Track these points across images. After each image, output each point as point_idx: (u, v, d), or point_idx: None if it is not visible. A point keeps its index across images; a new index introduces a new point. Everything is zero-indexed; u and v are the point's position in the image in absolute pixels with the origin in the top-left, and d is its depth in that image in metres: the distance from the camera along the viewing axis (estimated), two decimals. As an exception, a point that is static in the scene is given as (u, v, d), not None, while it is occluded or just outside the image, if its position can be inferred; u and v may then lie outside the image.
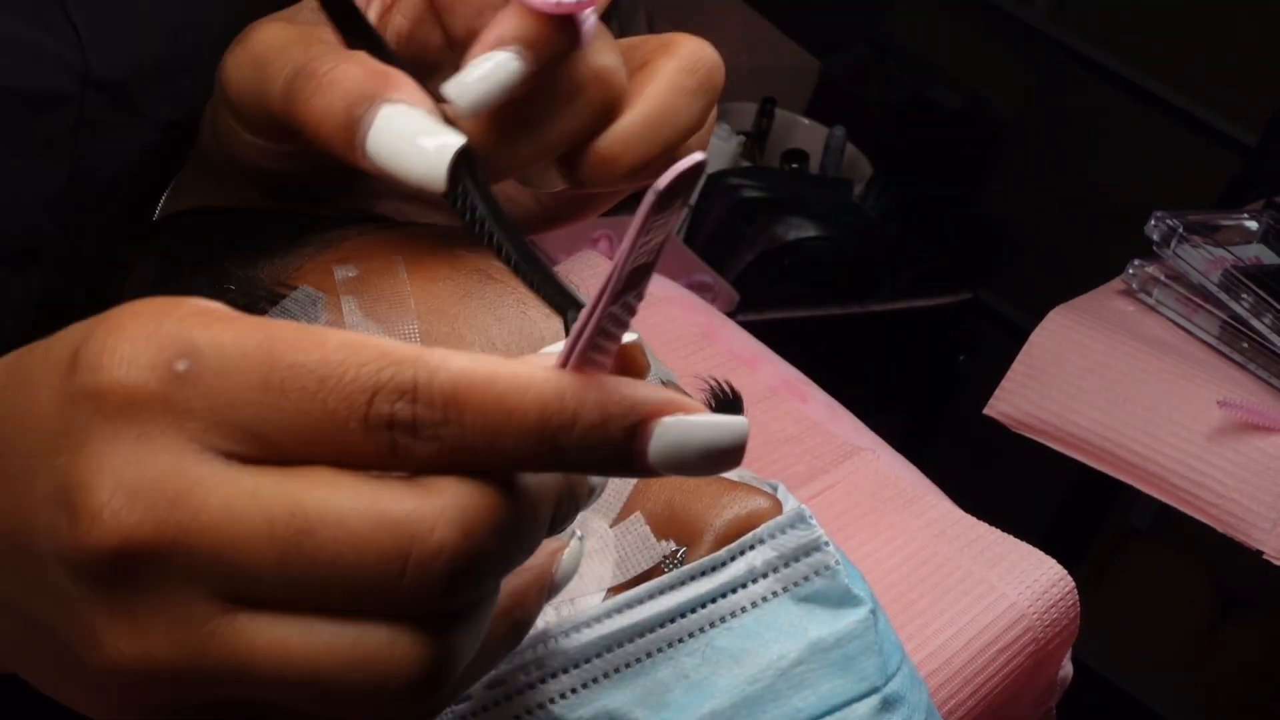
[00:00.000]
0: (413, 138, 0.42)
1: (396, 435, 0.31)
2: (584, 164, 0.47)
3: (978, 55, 2.16)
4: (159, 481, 0.31)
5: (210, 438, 0.31)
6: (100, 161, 0.53)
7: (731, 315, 1.48)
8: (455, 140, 0.42)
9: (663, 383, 0.51)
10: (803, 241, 1.74)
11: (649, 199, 0.30)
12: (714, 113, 0.50)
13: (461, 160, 0.42)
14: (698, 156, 0.30)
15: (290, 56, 0.45)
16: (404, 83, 0.43)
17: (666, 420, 0.32)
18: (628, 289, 0.32)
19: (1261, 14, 1.90)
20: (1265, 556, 1.09)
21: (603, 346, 0.32)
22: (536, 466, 0.32)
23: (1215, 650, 1.89)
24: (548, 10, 0.44)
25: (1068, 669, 0.84)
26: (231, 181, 0.53)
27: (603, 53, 0.46)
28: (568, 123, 0.46)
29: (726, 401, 0.53)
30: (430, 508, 0.31)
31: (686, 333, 0.93)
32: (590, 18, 0.45)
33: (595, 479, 0.36)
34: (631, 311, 0.33)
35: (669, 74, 0.47)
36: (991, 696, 0.74)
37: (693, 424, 0.32)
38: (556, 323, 0.48)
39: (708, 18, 2.06)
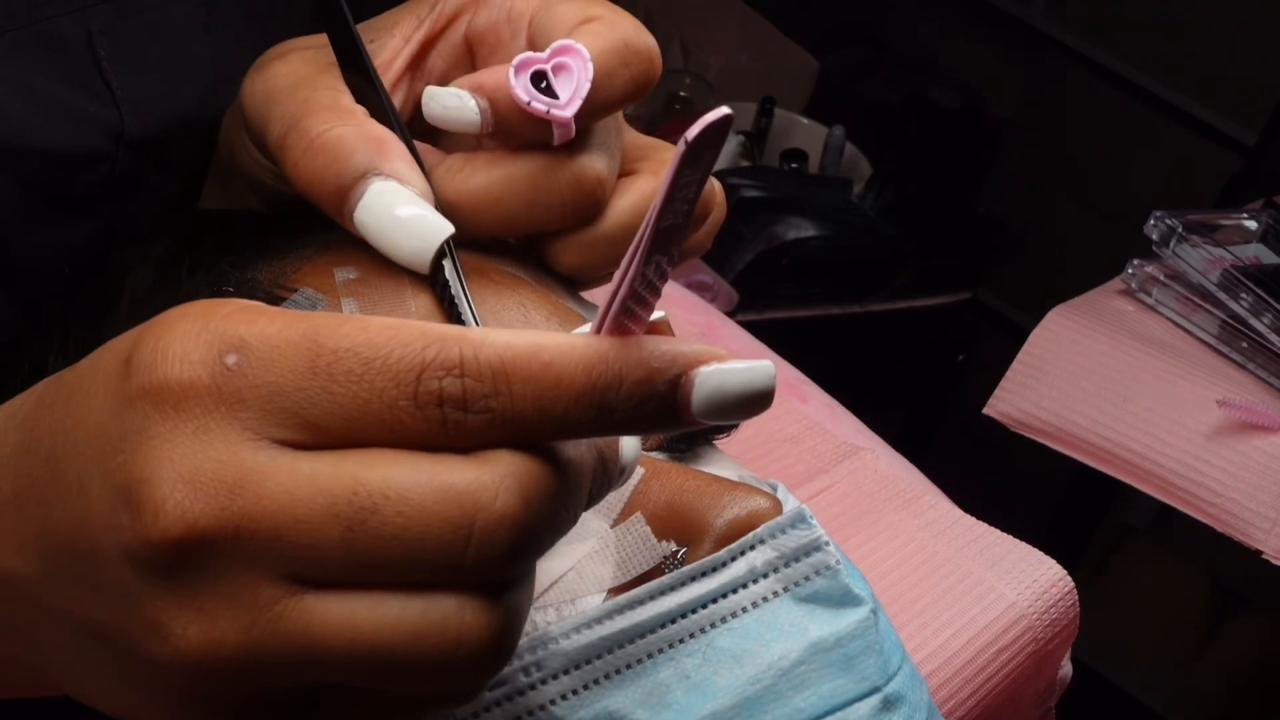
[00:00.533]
0: (401, 220, 0.43)
1: (447, 411, 0.32)
2: (546, 253, 0.49)
3: (977, 55, 2.16)
4: (219, 471, 0.32)
5: (264, 426, 0.32)
6: (129, 214, 0.53)
7: (731, 315, 1.48)
8: (441, 229, 0.43)
9: None
10: (802, 241, 1.74)
11: (680, 149, 0.31)
12: (712, 223, 0.51)
13: (445, 248, 0.44)
14: (724, 110, 0.31)
15: (293, 104, 0.45)
16: (396, 154, 0.44)
17: (705, 369, 0.33)
18: (658, 251, 0.32)
19: (1261, 14, 1.90)
20: (1264, 556, 1.09)
21: (635, 313, 0.33)
22: (586, 430, 0.33)
23: (1214, 649, 1.89)
24: (519, 103, 0.45)
25: (1067, 669, 0.84)
26: (237, 186, 0.53)
27: (593, 158, 0.47)
28: (538, 214, 0.47)
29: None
30: (490, 477, 0.32)
31: (686, 332, 0.93)
32: (564, 129, 0.45)
33: (625, 458, 0.37)
34: (663, 276, 0.34)
35: (640, 196, 0.48)
36: (991, 697, 0.74)
37: (728, 369, 0.33)
38: (557, 324, 0.48)
39: (708, 18, 2.06)
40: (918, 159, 2.01)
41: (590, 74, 0.45)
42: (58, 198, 0.51)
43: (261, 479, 0.31)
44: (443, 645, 0.32)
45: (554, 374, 0.32)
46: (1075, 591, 0.80)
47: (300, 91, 0.46)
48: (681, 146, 0.30)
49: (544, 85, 0.45)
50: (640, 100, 0.47)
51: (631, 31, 0.46)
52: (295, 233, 0.50)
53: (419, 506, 0.31)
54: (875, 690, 0.45)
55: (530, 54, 0.45)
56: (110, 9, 0.51)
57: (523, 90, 0.45)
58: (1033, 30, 2.05)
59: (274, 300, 0.47)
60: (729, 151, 1.86)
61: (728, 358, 0.33)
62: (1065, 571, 0.81)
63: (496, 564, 0.32)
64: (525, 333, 0.33)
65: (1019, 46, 2.10)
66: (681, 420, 0.33)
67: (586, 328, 0.34)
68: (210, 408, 0.32)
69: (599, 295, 0.52)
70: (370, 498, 0.31)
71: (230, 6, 0.54)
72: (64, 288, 0.52)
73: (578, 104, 0.45)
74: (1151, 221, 1.23)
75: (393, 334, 0.32)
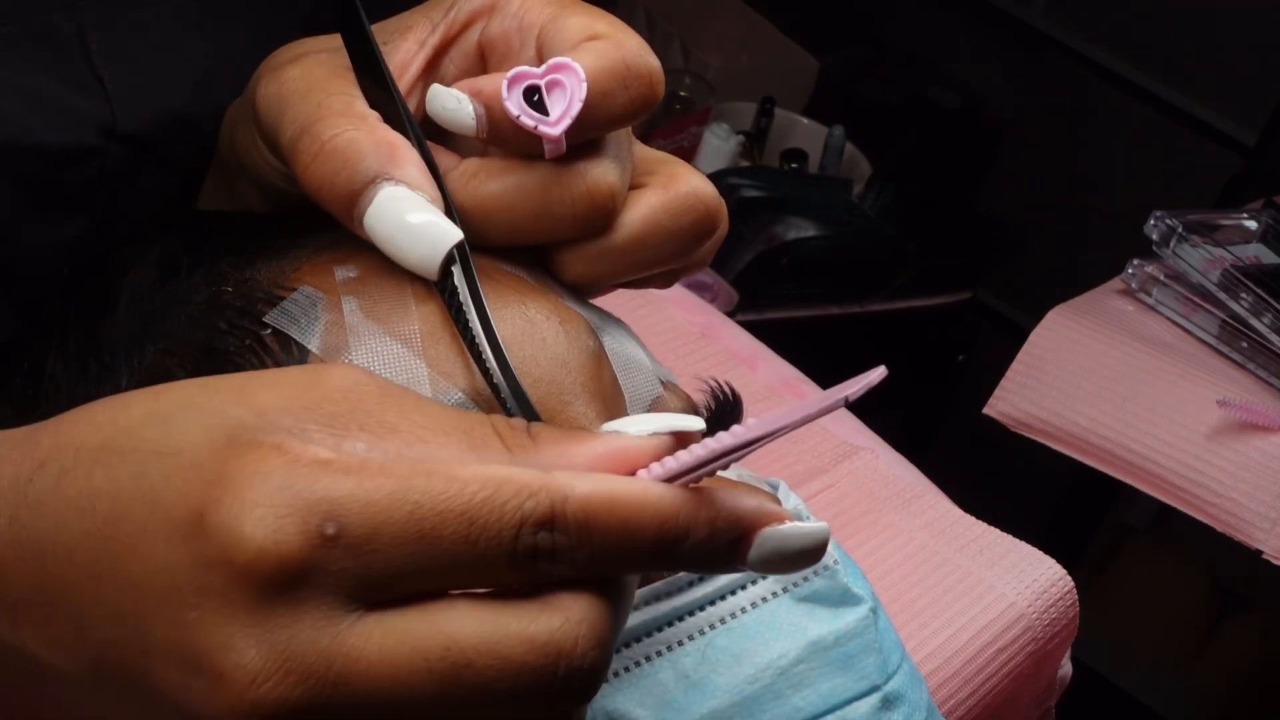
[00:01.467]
0: (410, 226, 0.43)
1: (540, 563, 0.34)
2: (553, 263, 0.49)
3: (977, 55, 2.16)
4: (314, 642, 0.32)
5: (362, 591, 0.33)
6: (121, 210, 0.53)
7: (731, 315, 1.48)
8: (450, 235, 0.44)
9: (662, 383, 0.51)
10: (802, 241, 1.74)
11: (834, 402, 0.34)
12: (715, 239, 0.51)
13: (454, 254, 0.44)
14: (881, 371, 0.34)
15: (306, 108, 0.45)
16: (408, 159, 0.44)
17: (766, 532, 0.35)
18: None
19: (1261, 14, 1.90)
20: (1265, 556, 1.09)
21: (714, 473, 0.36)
22: (646, 570, 0.36)
23: (1214, 649, 1.89)
24: (510, 118, 0.45)
25: (1067, 669, 0.84)
26: (241, 187, 0.53)
27: (607, 170, 0.47)
28: (548, 223, 0.47)
29: (726, 403, 0.52)
30: (570, 624, 0.34)
31: (686, 332, 0.93)
32: (555, 146, 0.45)
33: None
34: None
35: (649, 210, 0.48)
36: (991, 696, 0.74)
37: (787, 534, 0.36)
38: (557, 323, 0.48)
39: (708, 18, 2.06)
40: (918, 159, 2.00)
41: (583, 94, 0.45)
42: (50, 194, 0.50)
43: (359, 646, 0.32)
44: None
45: (630, 530, 0.34)
46: (1075, 591, 0.80)
47: (314, 96, 0.46)
48: (839, 401, 0.34)
49: (537, 99, 0.45)
50: (639, 121, 0.47)
51: (635, 52, 0.46)
52: (295, 232, 0.50)
53: (508, 659, 0.33)
54: (875, 689, 0.45)
55: (525, 69, 0.46)
56: (102, 5, 0.50)
57: (514, 105, 0.45)
58: (1033, 30, 2.05)
59: (274, 299, 0.47)
60: (729, 151, 1.86)
61: (788, 518, 0.36)
62: (1065, 571, 0.81)
63: (581, 698, 0.34)
64: (599, 479, 0.34)
65: (1019, 46, 2.10)
66: (735, 569, 0.36)
67: (638, 424, 0.36)
68: (307, 578, 0.32)
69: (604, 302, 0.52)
70: (463, 653, 0.33)
71: (222, 2, 0.54)
72: (63, 287, 0.52)
73: (567, 123, 0.45)
74: (1151, 221, 1.23)
75: (491, 490, 0.33)
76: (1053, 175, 2.13)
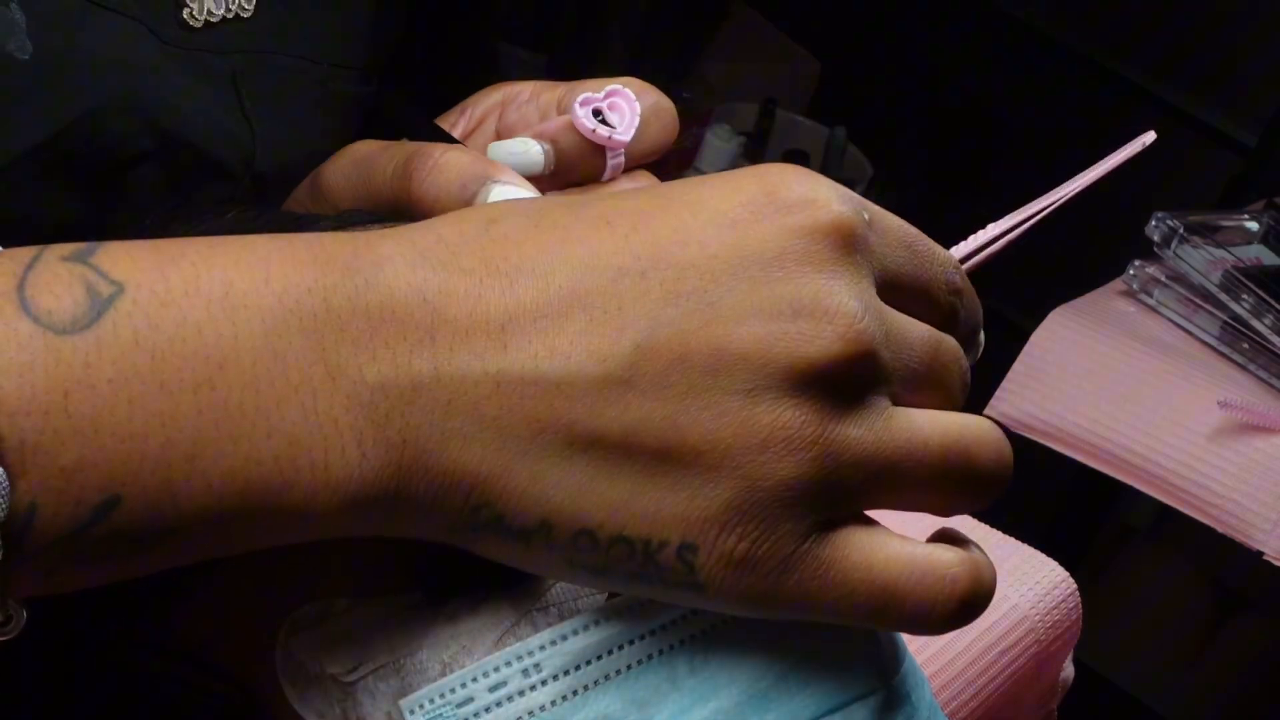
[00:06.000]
0: None
1: (955, 299, 0.44)
2: None
3: (977, 55, 2.16)
4: (874, 300, 0.40)
5: (876, 274, 0.40)
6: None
7: (732, 316, 1.48)
8: None
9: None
10: (803, 242, 1.74)
11: (1109, 167, 0.44)
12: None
13: None
14: (1150, 135, 0.43)
15: (397, 151, 0.51)
16: (507, 169, 0.51)
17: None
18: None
19: (1262, 14, 1.90)
20: (1266, 557, 1.09)
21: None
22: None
23: (1215, 650, 1.89)
24: (584, 133, 0.51)
25: (1069, 671, 0.84)
26: None
27: None
28: None
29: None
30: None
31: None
32: (618, 158, 0.52)
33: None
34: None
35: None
36: (994, 698, 0.74)
37: None
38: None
39: (708, 18, 2.06)
40: (918, 160, 2.01)
41: (639, 109, 0.52)
42: (187, 193, 0.54)
43: (890, 313, 0.40)
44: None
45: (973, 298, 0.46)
46: (1078, 593, 0.80)
47: (398, 146, 0.51)
48: (1115, 165, 0.44)
49: (600, 118, 0.52)
50: (659, 156, 0.54)
51: (660, 92, 0.54)
52: (304, 230, 0.50)
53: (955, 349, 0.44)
54: (877, 690, 0.45)
55: (587, 94, 0.52)
56: (248, 55, 0.55)
57: (586, 119, 0.51)
58: (1033, 30, 2.05)
59: None
60: (731, 153, 1.86)
61: None
62: (1068, 573, 0.81)
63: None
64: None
65: (1019, 46, 2.11)
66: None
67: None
68: (858, 248, 0.39)
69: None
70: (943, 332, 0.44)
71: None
72: None
73: (632, 131, 0.52)
74: (1153, 222, 1.23)
75: (926, 240, 0.43)
76: (1053, 175, 2.13)
